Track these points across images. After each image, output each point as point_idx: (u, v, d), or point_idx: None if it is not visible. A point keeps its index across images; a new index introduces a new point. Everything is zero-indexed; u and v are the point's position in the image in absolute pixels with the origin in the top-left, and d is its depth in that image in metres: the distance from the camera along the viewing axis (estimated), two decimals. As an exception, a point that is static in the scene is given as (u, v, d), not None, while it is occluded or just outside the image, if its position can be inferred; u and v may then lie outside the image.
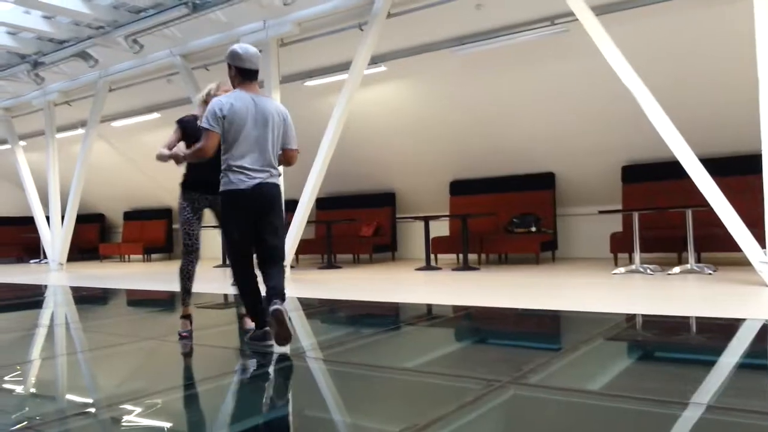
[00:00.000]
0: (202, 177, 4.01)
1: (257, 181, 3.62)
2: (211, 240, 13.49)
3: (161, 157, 4.09)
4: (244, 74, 3.67)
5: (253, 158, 3.62)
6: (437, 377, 3.00)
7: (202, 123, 3.62)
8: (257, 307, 3.76)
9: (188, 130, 4.16)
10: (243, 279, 3.75)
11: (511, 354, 3.55)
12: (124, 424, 2.44)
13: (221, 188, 3.65)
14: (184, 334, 4.06)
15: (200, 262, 4.15)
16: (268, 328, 3.64)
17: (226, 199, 3.64)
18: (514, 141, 9.20)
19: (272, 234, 3.69)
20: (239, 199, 3.60)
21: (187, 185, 4.11)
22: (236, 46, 3.69)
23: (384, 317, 5.15)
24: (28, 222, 13.49)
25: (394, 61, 8.54)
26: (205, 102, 4.08)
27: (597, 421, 2.28)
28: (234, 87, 3.72)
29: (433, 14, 7.54)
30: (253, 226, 3.67)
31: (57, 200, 11.98)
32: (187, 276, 4.08)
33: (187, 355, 3.85)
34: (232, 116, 3.57)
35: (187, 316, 4.12)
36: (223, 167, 3.65)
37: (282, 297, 3.63)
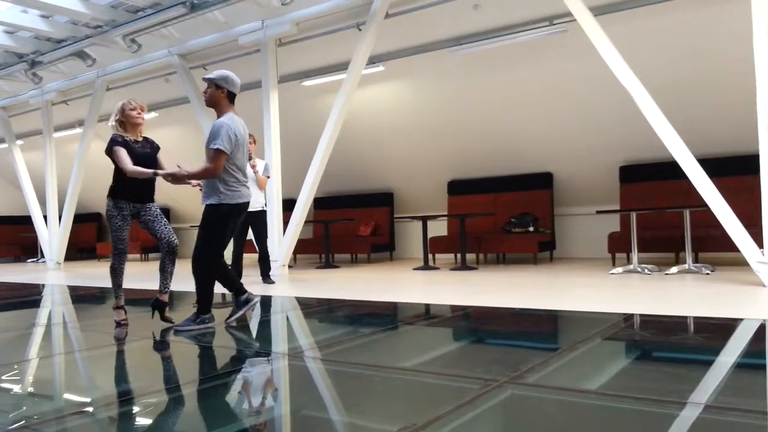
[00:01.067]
0: (133, 189, 4.47)
1: (249, 193, 4.40)
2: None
3: (142, 174, 4.38)
4: (232, 98, 4.25)
5: (246, 174, 4.35)
6: (435, 377, 3.00)
7: (217, 145, 4.03)
8: (235, 280, 4.46)
9: (136, 152, 4.48)
10: (218, 270, 4.34)
11: (508, 354, 3.56)
12: (121, 423, 2.44)
13: (233, 201, 4.18)
14: (123, 321, 4.54)
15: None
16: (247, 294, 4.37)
17: (235, 209, 4.21)
18: (512, 141, 9.21)
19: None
20: (243, 209, 4.28)
21: (117, 195, 4.48)
22: (229, 73, 4.23)
23: (382, 317, 5.15)
24: (26, 221, 13.47)
25: (392, 61, 8.55)
26: (120, 122, 4.55)
27: (594, 420, 2.29)
28: (223, 109, 4.22)
29: (431, 14, 7.55)
30: None
31: (54, 199, 11.97)
32: (119, 273, 4.64)
33: (185, 354, 3.85)
34: (239, 138, 4.13)
35: (121, 307, 4.62)
36: (232, 181, 4.17)
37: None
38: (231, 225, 4.28)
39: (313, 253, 10.95)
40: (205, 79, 4.26)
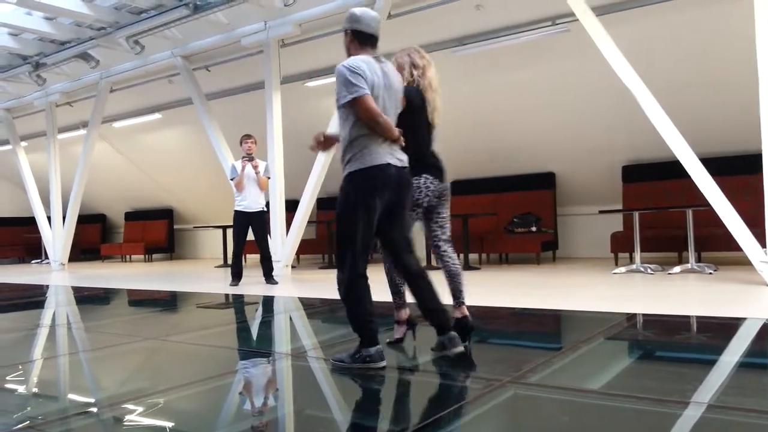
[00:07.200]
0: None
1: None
2: (212, 240, 13.52)
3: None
4: (366, 39, 3.15)
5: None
6: (437, 377, 3.00)
7: (345, 98, 3.00)
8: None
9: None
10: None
11: (511, 353, 3.56)
12: (125, 423, 2.45)
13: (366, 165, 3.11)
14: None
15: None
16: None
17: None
18: (515, 141, 9.21)
19: None
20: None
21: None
22: (356, 10, 3.17)
23: (384, 317, 5.14)
24: (30, 222, 13.53)
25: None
26: None
27: (597, 420, 2.29)
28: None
29: (433, 15, 7.55)
30: None
31: (58, 201, 12.01)
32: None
33: (188, 355, 3.86)
34: (375, 80, 3.10)
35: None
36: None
37: None
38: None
39: (316, 253, 10.96)
40: None
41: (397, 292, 3.58)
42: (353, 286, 3.01)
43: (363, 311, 3.01)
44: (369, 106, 2.94)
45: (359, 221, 2.99)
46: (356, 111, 2.96)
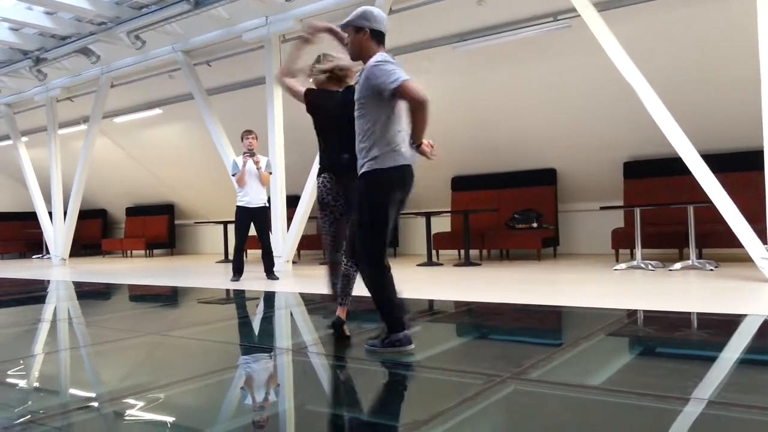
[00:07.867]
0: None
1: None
2: (213, 235, 13.53)
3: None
4: (381, 39, 3.29)
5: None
6: (438, 372, 3.01)
7: (401, 77, 3.02)
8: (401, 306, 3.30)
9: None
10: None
11: (512, 349, 3.56)
12: (126, 418, 2.45)
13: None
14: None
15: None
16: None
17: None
18: (516, 137, 9.20)
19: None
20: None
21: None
22: (367, 7, 3.24)
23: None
24: (31, 217, 13.54)
25: (396, 56, 8.49)
26: None
27: (598, 416, 2.29)
28: (372, 55, 3.22)
29: (434, 10, 7.54)
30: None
31: (59, 196, 12.01)
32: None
33: (189, 350, 3.86)
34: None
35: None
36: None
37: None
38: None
39: (317, 249, 10.93)
40: (343, 27, 3.29)
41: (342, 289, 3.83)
42: (379, 278, 3.23)
43: (388, 299, 3.23)
44: (418, 86, 2.96)
45: (387, 218, 3.16)
46: (403, 96, 2.98)
